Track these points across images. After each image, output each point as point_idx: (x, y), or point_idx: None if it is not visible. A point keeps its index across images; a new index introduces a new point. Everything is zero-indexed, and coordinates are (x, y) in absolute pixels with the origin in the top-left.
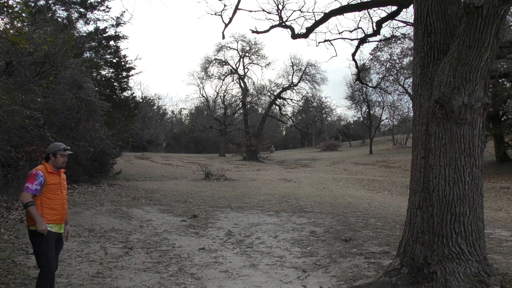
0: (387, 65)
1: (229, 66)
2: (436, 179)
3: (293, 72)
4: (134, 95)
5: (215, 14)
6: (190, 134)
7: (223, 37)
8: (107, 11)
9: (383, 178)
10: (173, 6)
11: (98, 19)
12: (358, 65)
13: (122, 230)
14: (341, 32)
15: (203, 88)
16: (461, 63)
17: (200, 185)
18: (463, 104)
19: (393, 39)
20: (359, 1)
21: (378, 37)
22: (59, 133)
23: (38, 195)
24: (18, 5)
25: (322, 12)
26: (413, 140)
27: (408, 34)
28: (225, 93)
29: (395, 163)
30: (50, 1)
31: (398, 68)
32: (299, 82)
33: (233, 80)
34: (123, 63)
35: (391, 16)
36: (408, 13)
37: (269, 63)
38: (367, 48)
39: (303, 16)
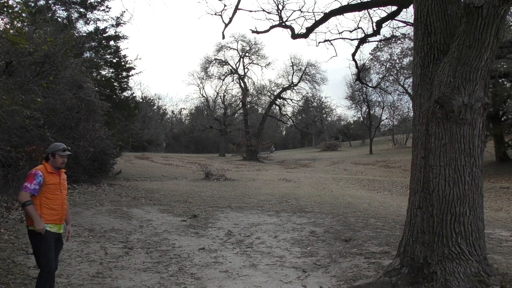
0: (387, 65)
1: (229, 66)
2: (436, 179)
3: (293, 72)
4: (134, 95)
5: (215, 14)
6: (190, 134)
7: (223, 37)
8: (107, 11)
9: (383, 178)
10: (173, 6)
11: (98, 19)
12: (358, 65)
13: (122, 230)
14: (341, 32)
15: (203, 88)
16: (461, 63)
17: (200, 185)
18: (463, 104)
19: (393, 39)
20: (359, 1)
21: (378, 37)
22: (59, 133)
23: (37, 195)
24: (18, 5)
25: (322, 12)
26: (413, 140)
27: (408, 34)
28: (225, 93)
29: (395, 163)
30: (50, 1)
31: (398, 68)
32: (299, 82)
33: (233, 80)
34: (123, 63)
35: (391, 16)
36: (408, 13)
37: (269, 63)
38: (367, 48)
39: (303, 16)
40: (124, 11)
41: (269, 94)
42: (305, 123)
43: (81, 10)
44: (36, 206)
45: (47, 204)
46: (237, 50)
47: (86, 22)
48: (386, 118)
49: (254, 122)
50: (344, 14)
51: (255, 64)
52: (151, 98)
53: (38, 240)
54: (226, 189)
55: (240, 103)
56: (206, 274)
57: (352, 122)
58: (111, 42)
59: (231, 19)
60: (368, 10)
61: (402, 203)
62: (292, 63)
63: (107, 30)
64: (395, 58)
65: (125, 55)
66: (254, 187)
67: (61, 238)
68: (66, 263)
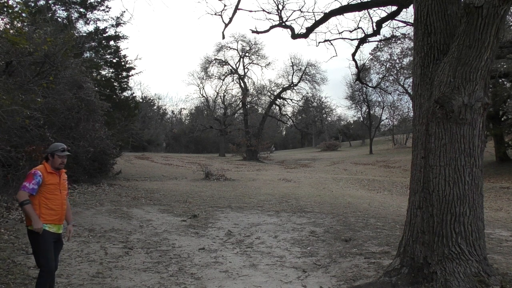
0: (387, 65)
1: (229, 66)
2: (436, 179)
3: (293, 72)
4: (134, 95)
5: (215, 14)
6: (190, 134)
7: (223, 37)
8: (107, 11)
9: (383, 178)
10: (173, 6)
11: (98, 19)
12: (358, 65)
13: (122, 230)
14: (341, 32)
15: (203, 88)
16: (461, 63)
17: (200, 185)
18: (463, 104)
19: (393, 39)
20: (359, 1)
21: (378, 37)
22: (59, 133)
23: (35, 194)
24: (18, 5)
25: (322, 12)
26: (413, 140)
27: (408, 34)
28: (225, 93)
29: (395, 163)
30: (50, 1)
31: (398, 68)
32: (299, 82)
33: (233, 80)
34: (123, 63)
35: (391, 16)
36: (408, 13)
37: (269, 63)
38: (367, 48)
39: (303, 16)
40: (124, 11)
41: (269, 94)
42: (305, 123)
43: (81, 10)
44: (35, 206)
45: (46, 204)
46: (237, 50)
47: (86, 22)
48: (386, 118)
49: (254, 122)
50: (344, 14)
51: (255, 64)
52: (151, 98)
53: (37, 240)
54: (226, 189)
55: (240, 103)
56: (206, 274)
57: (352, 122)
58: (111, 42)
59: (231, 19)
60: (368, 10)
61: (402, 203)
62: (292, 63)
63: (107, 30)
64: (395, 58)
65: (125, 55)
66: (254, 187)
67: (61, 238)
68: (66, 263)
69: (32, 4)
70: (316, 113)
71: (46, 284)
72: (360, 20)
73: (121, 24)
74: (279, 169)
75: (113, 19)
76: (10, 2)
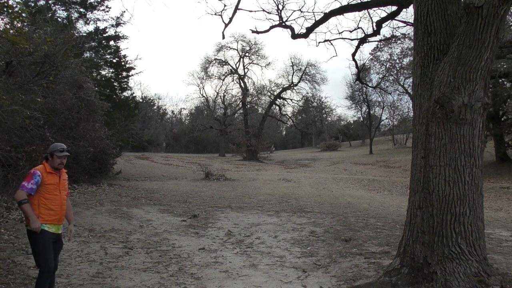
0: (387, 65)
1: (229, 66)
2: (436, 179)
3: (293, 72)
4: (134, 95)
5: (215, 14)
6: (190, 134)
7: (223, 37)
8: (107, 11)
9: (383, 178)
10: (173, 6)
11: (98, 19)
12: (358, 65)
13: (122, 230)
14: (341, 32)
15: (203, 88)
16: (461, 63)
17: (200, 185)
18: (463, 104)
19: (393, 39)
20: (359, 1)
21: (378, 37)
22: (59, 133)
23: (34, 194)
24: (18, 5)
25: (322, 12)
26: (413, 140)
27: (408, 34)
28: (225, 93)
29: (395, 163)
30: (50, 1)
31: (398, 68)
32: (299, 82)
33: (233, 80)
34: (123, 63)
35: (391, 16)
36: (408, 13)
37: (269, 63)
38: (367, 48)
39: (303, 16)
40: (124, 11)
41: (269, 94)
42: (305, 123)
43: (81, 10)
44: (34, 206)
45: (45, 204)
46: (237, 50)
47: (86, 22)
48: (386, 118)
49: (254, 122)
50: (344, 14)
51: (255, 64)
52: (151, 98)
53: (36, 240)
54: (226, 189)
55: (240, 103)
56: (206, 274)
57: (352, 122)
58: (111, 42)
59: (231, 19)
60: (368, 10)
61: (402, 203)
62: (292, 63)
63: (107, 30)
64: (395, 58)
65: (125, 55)
66: (254, 187)
67: (60, 238)
68: (66, 263)
69: (32, 4)
70: (316, 113)
71: (46, 284)
72: (360, 20)
73: (121, 24)
74: (279, 169)
75: (113, 19)
76: (10, 2)
